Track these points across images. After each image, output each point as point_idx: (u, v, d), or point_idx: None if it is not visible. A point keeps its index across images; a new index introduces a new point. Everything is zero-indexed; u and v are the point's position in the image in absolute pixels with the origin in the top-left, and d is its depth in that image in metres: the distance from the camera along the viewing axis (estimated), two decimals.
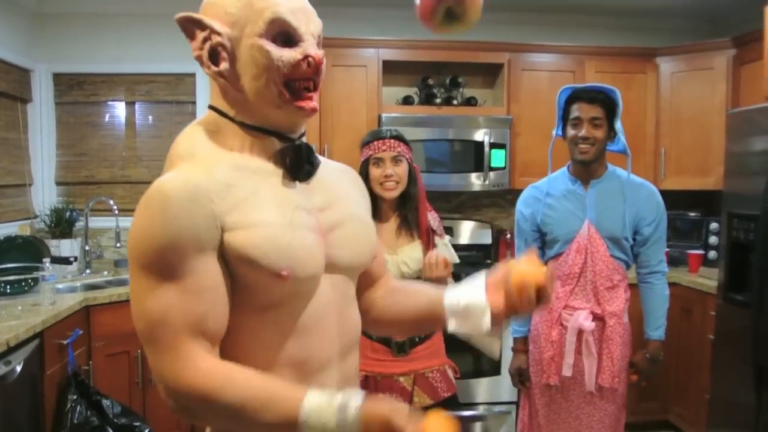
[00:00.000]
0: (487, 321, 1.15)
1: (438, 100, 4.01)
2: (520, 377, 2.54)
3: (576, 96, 2.39)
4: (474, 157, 3.89)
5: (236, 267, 1.01)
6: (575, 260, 2.39)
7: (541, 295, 1.13)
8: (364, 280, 1.30)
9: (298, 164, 1.10)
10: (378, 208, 2.27)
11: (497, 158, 3.90)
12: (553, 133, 2.52)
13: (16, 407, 2.47)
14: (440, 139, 3.87)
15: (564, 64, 4.05)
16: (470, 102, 4.10)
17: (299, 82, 1.07)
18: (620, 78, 3.93)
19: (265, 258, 0.99)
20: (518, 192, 2.61)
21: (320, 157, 1.18)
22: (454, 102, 4.05)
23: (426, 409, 2.27)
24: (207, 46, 1.07)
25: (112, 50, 4.15)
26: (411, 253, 2.26)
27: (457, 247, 4.23)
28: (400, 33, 4.16)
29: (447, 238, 2.44)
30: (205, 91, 4.20)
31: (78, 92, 4.19)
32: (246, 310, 1.04)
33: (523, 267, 1.12)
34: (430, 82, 4.07)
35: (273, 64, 1.04)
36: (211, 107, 1.13)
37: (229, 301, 1.01)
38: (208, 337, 0.98)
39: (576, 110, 2.37)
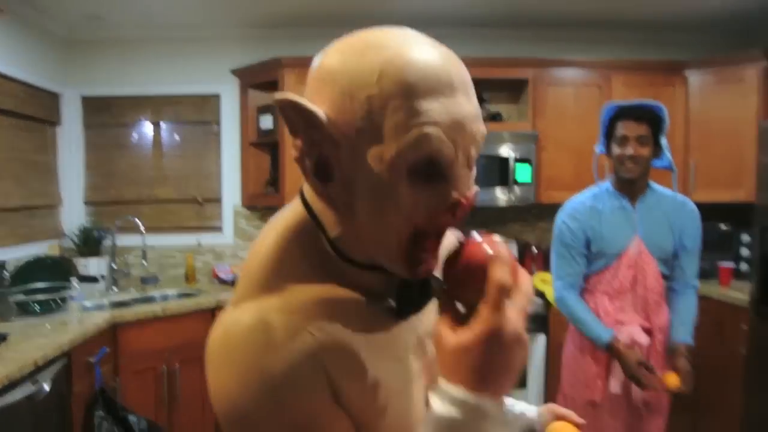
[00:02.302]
0: None
1: None
2: (648, 369, 2.23)
3: (622, 113, 2.34)
4: (499, 172, 3.85)
5: None
6: (625, 275, 2.35)
7: None
8: None
9: (408, 307, 0.83)
10: None
11: (523, 173, 3.87)
12: (596, 149, 2.48)
13: (45, 425, 2.48)
14: None
15: (590, 78, 4.01)
16: (495, 118, 4.07)
17: (431, 234, 0.76)
18: (648, 92, 3.88)
19: (379, 429, 0.79)
20: (544, 207, 2.57)
21: None
22: None
23: None
24: (315, 153, 0.74)
25: (139, 73, 4.23)
26: None
27: None
28: None
29: None
30: (231, 111, 4.25)
31: (106, 115, 4.27)
32: None
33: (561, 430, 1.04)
34: None
35: (402, 211, 0.72)
36: (307, 208, 0.81)
37: None
38: None
39: (622, 128, 2.31)
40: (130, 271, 4.15)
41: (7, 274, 3.18)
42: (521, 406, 1.10)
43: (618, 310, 2.37)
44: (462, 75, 0.73)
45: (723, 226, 4.00)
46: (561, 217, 2.47)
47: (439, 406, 0.67)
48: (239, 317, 0.74)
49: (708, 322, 3.56)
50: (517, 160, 3.86)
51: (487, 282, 0.68)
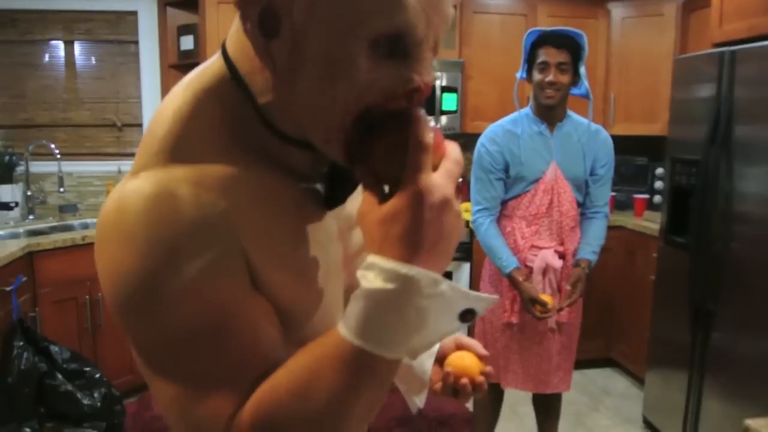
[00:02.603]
0: (419, 400, 0.99)
1: None
2: (535, 303, 2.36)
3: (543, 40, 2.37)
4: (425, 100, 3.85)
5: None
6: (542, 200, 2.44)
7: (476, 388, 0.94)
8: None
9: (340, 195, 0.77)
10: None
11: (449, 102, 3.89)
12: (517, 75, 2.51)
13: None
14: None
15: (516, 7, 4.02)
16: None
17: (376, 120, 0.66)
18: (572, 23, 3.89)
19: (289, 319, 0.72)
20: (469, 136, 2.60)
21: None
22: None
23: None
24: (264, 1, 0.63)
25: None
26: None
27: None
28: None
29: None
30: (149, 30, 4.04)
31: (11, 30, 3.97)
32: None
33: (460, 361, 0.97)
34: None
35: (356, 86, 0.63)
36: (230, 67, 0.70)
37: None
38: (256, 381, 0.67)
39: (543, 54, 2.35)
40: (46, 198, 3.98)
41: None
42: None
43: (534, 235, 2.47)
44: None
45: (639, 160, 4.18)
46: (481, 140, 2.51)
47: (370, 280, 0.60)
48: (140, 186, 0.63)
49: (622, 251, 3.78)
50: (443, 89, 3.87)
51: (410, 145, 0.62)
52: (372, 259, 0.61)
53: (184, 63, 3.94)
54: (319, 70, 0.63)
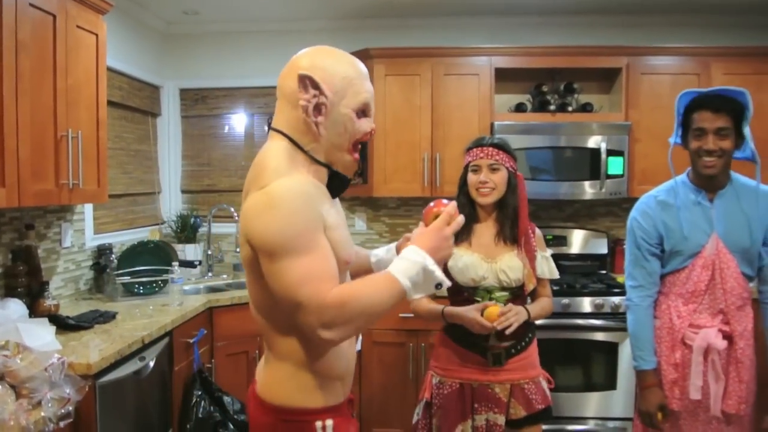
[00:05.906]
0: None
1: (552, 107, 3.93)
2: (662, 413, 2.26)
3: (699, 103, 2.17)
4: (589, 164, 3.77)
5: None
6: (701, 277, 2.21)
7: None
8: None
9: (340, 191, 1.56)
10: (476, 212, 2.36)
11: (615, 166, 3.76)
12: (671, 140, 2.33)
13: (149, 400, 2.63)
14: (553, 146, 3.79)
15: (688, 66, 3.85)
16: (586, 108, 3.98)
17: (358, 144, 1.53)
18: (751, 79, 3.70)
19: (342, 250, 1.46)
20: (636, 201, 2.46)
21: None
22: (569, 108, 3.94)
23: (519, 422, 2.26)
24: (315, 101, 1.42)
25: (233, 66, 4.39)
26: (510, 262, 2.26)
27: (570, 257, 4.14)
28: (512, 40, 4.14)
29: (549, 251, 2.45)
30: None
31: (202, 106, 4.45)
32: None
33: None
34: (544, 88, 4.00)
35: (354, 131, 1.48)
36: (284, 135, 1.46)
37: None
38: (335, 282, 1.37)
39: (699, 120, 2.15)
40: (223, 257, 4.31)
41: (114, 258, 3.38)
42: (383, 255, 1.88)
43: (692, 313, 2.23)
44: None
45: None
46: (633, 214, 2.36)
47: (408, 253, 1.38)
48: (280, 184, 1.34)
49: None
50: (608, 152, 3.75)
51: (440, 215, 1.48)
52: (413, 245, 1.41)
53: None
54: (339, 126, 1.46)
